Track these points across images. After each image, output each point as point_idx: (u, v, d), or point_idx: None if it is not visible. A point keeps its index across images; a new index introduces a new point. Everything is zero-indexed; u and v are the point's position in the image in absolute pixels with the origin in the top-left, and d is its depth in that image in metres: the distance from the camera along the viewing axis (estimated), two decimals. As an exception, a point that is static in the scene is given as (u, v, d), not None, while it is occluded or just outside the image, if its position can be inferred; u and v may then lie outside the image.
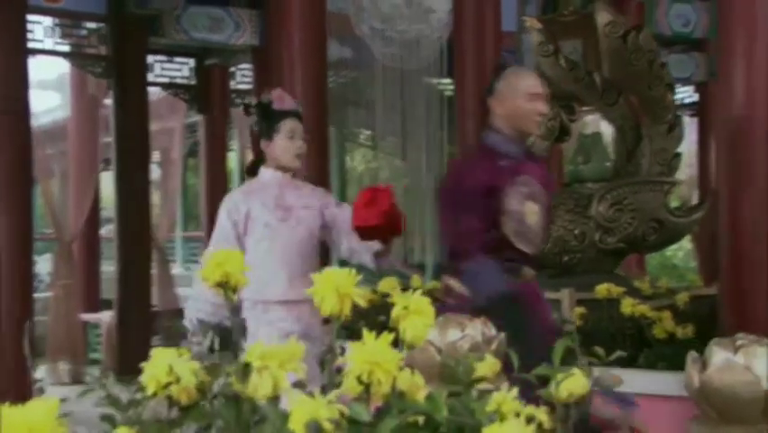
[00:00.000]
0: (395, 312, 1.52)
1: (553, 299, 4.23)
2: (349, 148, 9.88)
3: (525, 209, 2.75)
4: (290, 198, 3.23)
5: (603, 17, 4.50)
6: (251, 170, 3.34)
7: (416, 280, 5.34)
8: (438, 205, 3.12)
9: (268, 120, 3.22)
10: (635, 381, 3.61)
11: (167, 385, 1.39)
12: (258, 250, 3.13)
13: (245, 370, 1.22)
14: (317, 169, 5.46)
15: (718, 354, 1.48)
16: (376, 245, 3.09)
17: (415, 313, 1.51)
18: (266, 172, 3.25)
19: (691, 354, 1.56)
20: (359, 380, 1.41)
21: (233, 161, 12.40)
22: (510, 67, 3.14)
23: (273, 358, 1.41)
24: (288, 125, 3.21)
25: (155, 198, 9.08)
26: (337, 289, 1.51)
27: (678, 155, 4.67)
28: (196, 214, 12.78)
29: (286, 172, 3.24)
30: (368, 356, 1.42)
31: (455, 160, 3.37)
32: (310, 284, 3.32)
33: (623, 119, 4.75)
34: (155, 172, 9.30)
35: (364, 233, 2.98)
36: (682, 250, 11.41)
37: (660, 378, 3.58)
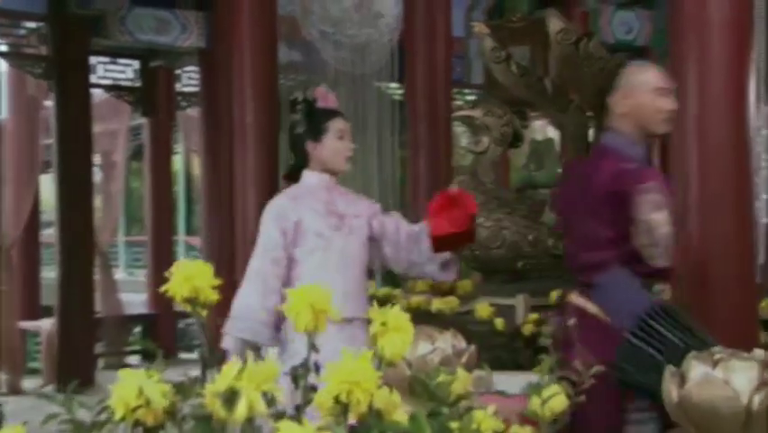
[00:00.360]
0: (372, 329, 1.48)
1: (507, 304, 4.25)
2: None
3: (654, 219, 2.51)
4: (340, 204, 2.99)
5: (555, 24, 4.50)
6: (292, 176, 3.06)
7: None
8: (557, 212, 2.90)
9: (314, 119, 2.97)
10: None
11: (136, 409, 1.33)
12: (310, 262, 2.89)
13: (232, 395, 1.16)
14: (268, 173, 5.40)
15: (697, 369, 1.47)
16: (445, 255, 2.87)
17: (393, 330, 1.48)
18: (311, 176, 2.99)
19: (669, 369, 1.55)
20: (336, 399, 1.37)
21: (177, 164, 12.23)
22: (633, 63, 2.93)
23: (249, 379, 1.36)
24: (337, 125, 2.97)
25: (97, 201, 8.88)
26: (312, 305, 1.47)
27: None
28: (139, 218, 12.55)
29: (332, 176, 3.00)
30: (346, 375, 1.38)
31: (571, 162, 3.11)
32: (366, 300, 3.16)
33: (574, 126, 4.77)
34: (97, 175, 9.10)
35: (443, 242, 2.78)
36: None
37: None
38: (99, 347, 8.32)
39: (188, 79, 9.29)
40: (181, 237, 13.38)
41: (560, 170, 4.76)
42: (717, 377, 1.42)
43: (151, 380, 1.34)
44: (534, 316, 4.01)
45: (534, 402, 1.43)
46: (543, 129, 4.96)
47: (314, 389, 1.47)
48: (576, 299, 2.57)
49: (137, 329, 9.23)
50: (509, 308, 4.19)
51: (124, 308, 8.98)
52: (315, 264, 2.88)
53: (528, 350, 3.82)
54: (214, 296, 1.53)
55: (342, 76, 7.98)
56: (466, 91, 9.04)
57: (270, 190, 5.55)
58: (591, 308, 2.51)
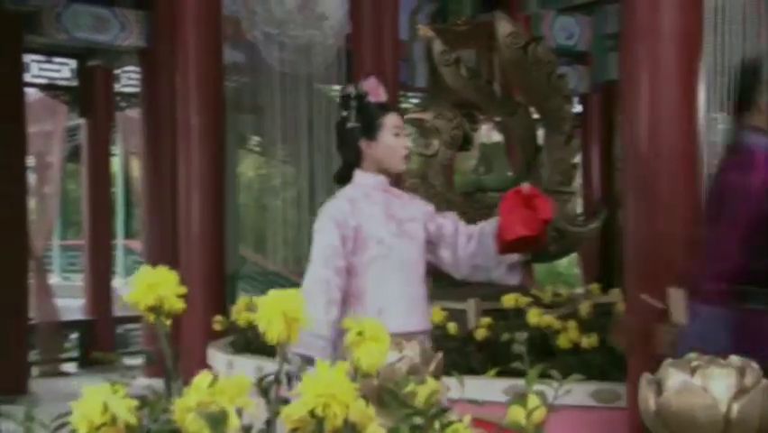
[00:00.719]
0: (348, 339, 1.43)
1: (458, 309, 4.23)
2: (239, 154, 9.70)
3: None
4: (397, 207, 2.72)
5: (504, 27, 4.52)
6: (343, 176, 2.77)
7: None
8: (706, 219, 2.73)
9: (367, 116, 2.68)
10: (545, 392, 3.65)
11: (101, 427, 1.25)
12: (370, 273, 2.62)
13: (219, 417, 1.10)
14: (214, 175, 5.30)
15: (675, 376, 1.44)
16: (513, 257, 2.66)
17: (370, 339, 1.43)
18: (367, 177, 2.70)
19: (645, 376, 1.52)
20: (312, 413, 1.32)
21: (116, 166, 11.96)
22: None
23: (222, 393, 1.30)
24: (392, 120, 2.70)
25: (31, 204, 8.62)
26: (284, 313, 1.40)
27: (575, 165, 4.75)
28: (76, 221, 12.26)
29: (388, 177, 2.73)
30: (323, 388, 1.32)
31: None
32: (428, 311, 2.92)
33: (522, 129, 4.79)
34: (31, 177, 8.84)
35: (512, 245, 2.57)
36: (566, 257, 11.73)
37: (569, 389, 3.60)
38: (33, 355, 8.09)
39: (128, 79, 9.11)
40: (120, 241, 13.11)
41: (509, 174, 4.77)
42: (696, 385, 1.39)
43: (117, 395, 1.26)
44: (486, 320, 3.99)
45: (517, 413, 1.40)
46: (496, 132, 4.95)
47: (286, 402, 1.41)
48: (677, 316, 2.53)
49: (73, 336, 9.00)
50: (461, 313, 4.17)
51: (60, 314, 8.74)
52: (376, 275, 2.62)
53: (480, 354, 3.80)
54: (179, 304, 1.46)
55: (284, 78, 7.90)
56: (410, 94, 9.04)
57: (216, 193, 5.46)
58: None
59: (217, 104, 5.37)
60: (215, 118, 5.29)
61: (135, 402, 1.28)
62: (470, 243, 2.69)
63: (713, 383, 1.47)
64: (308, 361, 2.56)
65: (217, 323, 4.70)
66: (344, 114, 2.72)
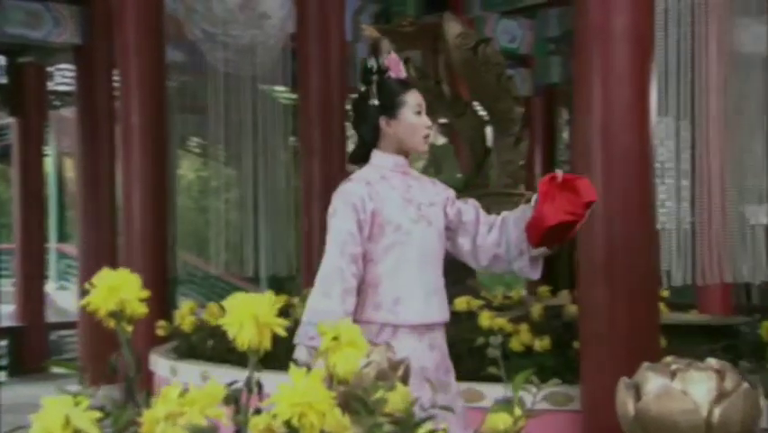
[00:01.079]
0: (323, 345, 1.36)
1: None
2: (178, 155, 9.52)
3: None
4: (416, 191, 2.55)
5: (454, 28, 4.50)
6: (359, 156, 2.61)
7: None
8: None
9: (388, 92, 2.51)
10: (497, 395, 3.61)
11: (62, 440, 1.16)
12: (388, 259, 2.46)
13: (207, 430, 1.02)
14: (156, 176, 5.17)
15: (654, 381, 1.40)
16: (540, 250, 2.48)
17: (346, 345, 1.36)
18: (385, 158, 2.54)
19: (624, 381, 1.48)
20: (288, 424, 1.25)
21: (49, 166, 11.62)
22: None
23: (193, 403, 1.22)
24: (414, 98, 2.52)
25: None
26: (256, 317, 1.33)
27: (524, 167, 4.75)
28: (6, 224, 11.88)
29: (407, 158, 2.57)
30: (299, 396, 1.25)
31: None
32: (446, 302, 2.72)
33: (471, 130, 4.78)
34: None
35: (554, 233, 2.39)
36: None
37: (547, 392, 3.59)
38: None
39: (62, 77, 8.85)
40: (52, 245, 12.75)
41: (458, 175, 4.74)
42: (676, 389, 1.35)
43: (79, 407, 1.17)
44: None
45: (498, 420, 1.34)
46: (446, 134, 4.93)
47: (258, 412, 1.33)
48: None
49: (3, 342, 8.70)
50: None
51: (-10, 320, 8.45)
52: (393, 262, 2.46)
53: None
54: (142, 309, 1.38)
55: (224, 78, 7.76)
56: (353, 95, 8.96)
57: (158, 194, 5.32)
58: None
59: (159, 103, 5.23)
60: (157, 117, 5.15)
61: (98, 414, 1.20)
62: (491, 232, 2.53)
63: (693, 387, 1.44)
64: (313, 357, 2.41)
65: (160, 328, 4.57)
66: (363, 89, 2.55)
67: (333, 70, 5.57)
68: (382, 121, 2.52)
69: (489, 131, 4.78)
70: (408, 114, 2.51)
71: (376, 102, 2.51)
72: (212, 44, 7.61)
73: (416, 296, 2.47)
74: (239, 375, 4.04)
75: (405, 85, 2.56)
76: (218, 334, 4.25)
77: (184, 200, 8.95)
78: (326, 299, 2.39)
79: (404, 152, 2.56)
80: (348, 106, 7.47)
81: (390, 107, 2.51)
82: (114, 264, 5.34)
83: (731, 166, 3.93)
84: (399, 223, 2.47)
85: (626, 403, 1.47)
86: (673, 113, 3.68)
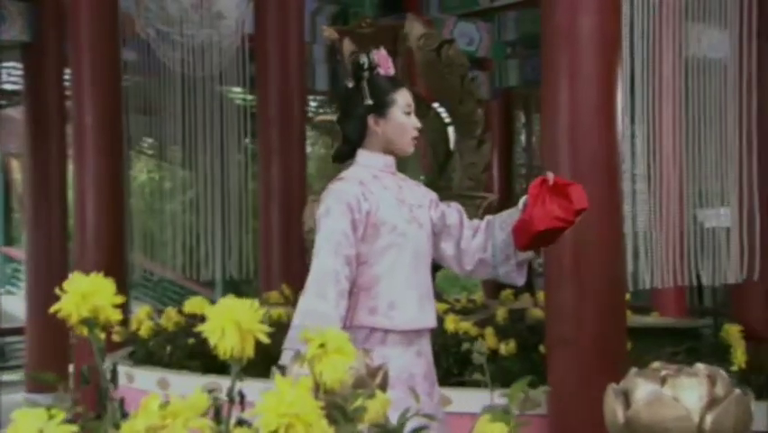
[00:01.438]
0: (309, 352, 1.30)
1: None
2: (130, 156, 9.31)
3: None
4: (405, 192, 2.48)
5: (417, 29, 4.46)
6: (342, 154, 2.54)
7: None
8: None
9: (378, 90, 2.44)
10: (464, 401, 3.58)
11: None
12: (384, 262, 2.38)
13: None
14: (111, 178, 5.04)
15: (644, 387, 1.37)
16: (527, 254, 2.43)
17: (333, 352, 1.30)
18: (375, 157, 2.48)
19: (612, 387, 1.45)
20: (275, 437, 1.19)
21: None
22: None
23: (175, 415, 1.15)
24: (404, 97, 2.46)
25: None
26: (238, 323, 1.26)
27: (486, 170, 4.72)
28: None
29: (394, 158, 2.50)
30: (285, 407, 1.19)
31: None
32: (435, 308, 2.60)
33: (434, 132, 4.74)
34: None
35: (541, 237, 2.35)
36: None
37: (486, 397, 3.55)
38: None
39: (8, 75, 8.61)
40: (-2, 248, 12.46)
41: (421, 177, 4.70)
42: (667, 395, 1.32)
43: (54, 421, 1.10)
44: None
45: (492, 429, 1.30)
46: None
47: (241, 423, 1.27)
48: None
49: (-53, 349, 8.45)
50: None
51: None
52: (388, 265, 2.38)
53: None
54: (116, 316, 1.30)
55: (182, 78, 7.63)
56: (310, 97, 8.90)
57: (113, 195, 5.19)
58: None
59: (114, 102, 5.11)
60: (112, 117, 5.03)
61: (74, 428, 1.12)
62: (476, 235, 2.47)
63: (684, 394, 1.41)
64: None
65: (116, 333, 4.45)
66: (351, 86, 2.48)
67: (293, 71, 5.51)
68: (371, 119, 2.46)
69: (451, 133, 4.75)
70: (398, 113, 2.45)
71: (369, 101, 2.44)
72: (165, 44, 7.48)
73: (410, 300, 2.41)
74: (198, 382, 3.97)
75: (395, 83, 2.49)
76: (177, 339, 4.15)
77: (136, 202, 8.76)
78: (322, 302, 2.29)
79: (390, 152, 2.50)
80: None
81: (380, 106, 2.45)
82: (64, 268, 5.24)
83: (687, 170, 3.95)
84: (395, 224, 2.40)
85: (615, 411, 1.44)
86: (628, 117, 3.68)
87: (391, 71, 2.50)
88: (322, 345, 1.29)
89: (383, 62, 2.47)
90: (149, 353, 4.24)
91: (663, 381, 1.40)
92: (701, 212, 4.03)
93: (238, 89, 8.01)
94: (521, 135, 8.93)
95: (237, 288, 8.17)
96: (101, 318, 1.29)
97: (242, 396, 1.30)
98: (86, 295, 1.26)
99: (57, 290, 1.29)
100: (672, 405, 1.37)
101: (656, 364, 1.47)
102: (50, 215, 6.71)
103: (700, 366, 1.45)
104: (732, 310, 4.05)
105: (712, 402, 1.39)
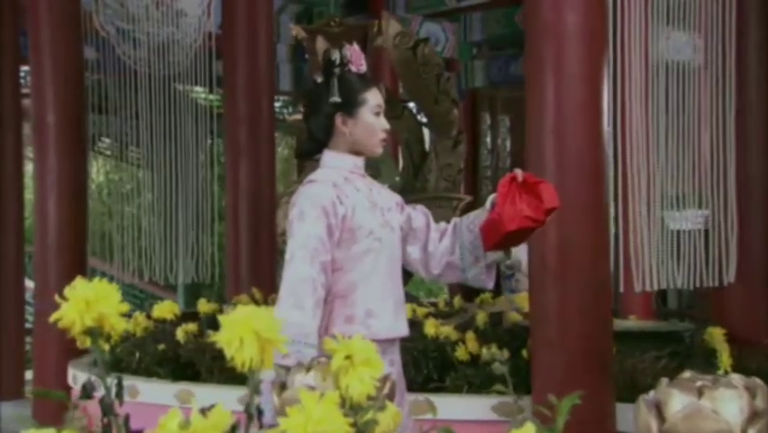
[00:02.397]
0: (334, 364, 1.20)
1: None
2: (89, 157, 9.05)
3: None
4: (376, 195, 2.40)
5: (393, 27, 4.38)
6: (307, 152, 2.49)
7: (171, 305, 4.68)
8: None
9: (347, 88, 2.35)
10: (446, 406, 3.49)
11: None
12: (360, 268, 2.28)
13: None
14: (74, 179, 4.87)
15: (679, 399, 1.29)
16: (496, 255, 2.35)
17: (360, 364, 1.20)
18: (343, 158, 2.38)
19: (643, 399, 1.37)
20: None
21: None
22: None
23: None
24: (375, 97, 2.38)
25: None
26: (258, 333, 1.16)
27: (461, 171, 4.66)
28: None
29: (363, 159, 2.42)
30: (314, 424, 1.09)
31: None
32: (406, 315, 2.51)
33: (409, 132, 4.66)
34: None
35: (511, 238, 2.26)
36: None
37: (470, 403, 3.48)
38: None
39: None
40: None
41: (397, 178, 4.62)
42: (707, 407, 1.24)
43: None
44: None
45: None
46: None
47: (262, 441, 1.17)
48: None
49: None
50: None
51: None
52: (365, 271, 2.29)
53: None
54: (122, 325, 1.20)
55: (143, 77, 7.44)
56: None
57: (76, 197, 5.02)
58: None
59: (76, 100, 4.94)
60: (75, 115, 4.85)
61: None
62: (443, 238, 2.39)
63: (724, 406, 1.33)
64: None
65: (80, 339, 4.26)
66: (320, 81, 2.38)
67: (262, 70, 5.38)
68: (338, 118, 2.37)
69: (426, 133, 4.68)
70: (367, 114, 2.37)
71: (336, 98, 2.34)
72: (126, 41, 7.30)
73: (387, 308, 2.33)
74: (169, 390, 3.78)
75: (366, 82, 2.40)
76: (146, 345, 4.00)
77: (94, 204, 8.51)
78: (298, 312, 2.20)
79: (357, 152, 2.41)
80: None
81: (348, 105, 2.36)
82: (19, 273, 5.03)
83: (654, 173, 3.90)
84: (371, 228, 2.32)
85: (648, 424, 1.35)
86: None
87: (363, 68, 2.43)
88: (348, 357, 1.19)
89: (356, 58, 2.39)
90: (116, 360, 4.08)
91: (700, 392, 1.32)
92: (676, 214, 4.00)
93: (200, 89, 7.84)
94: (486, 137, 8.89)
95: (198, 291, 7.99)
96: (106, 328, 1.18)
97: (259, 411, 1.20)
98: (91, 302, 1.15)
99: (57, 298, 1.18)
100: (713, 418, 1.30)
101: (688, 375, 1.39)
102: (5, 218, 6.48)
103: (736, 377, 1.39)
104: (711, 313, 4.02)
105: (754, 415, 1.32)
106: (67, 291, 1.15)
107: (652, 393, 1.40)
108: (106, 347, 1.17)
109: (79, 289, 1.15)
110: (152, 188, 7.92)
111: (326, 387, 1.48)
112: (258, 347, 1.14)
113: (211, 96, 7.52)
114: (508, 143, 9.17)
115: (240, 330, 1.14)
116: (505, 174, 2.39)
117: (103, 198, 9.12)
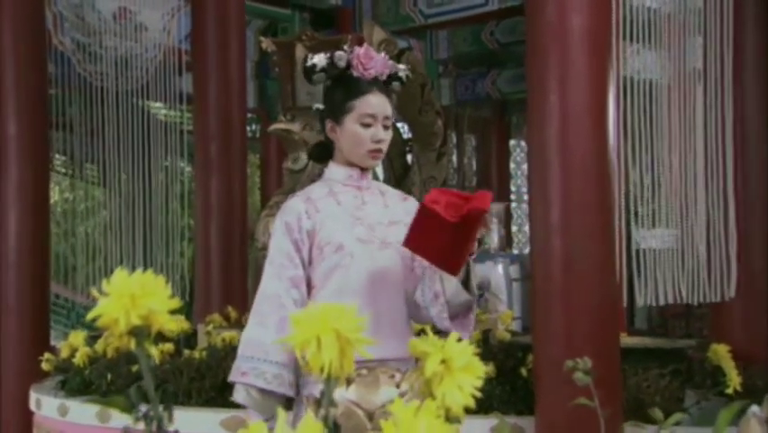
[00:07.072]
0: (428, 369, 1.01)
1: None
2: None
3: None
4: (372, 208, 2.26)
5: (378, 34, 4.22)
6: (314, 154, 2.41)
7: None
8: None
9: (339, 91, 2.26)
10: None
11: None
12: (329, 286, 2.17)
13: None
14: (36, 195, 4.62)
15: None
16: (455, 293, 2.17)
17: (459, 371, 1.02)
18: (338, 170, 2.30)
19: (752, 412, 1.21)
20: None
21: None
22: None
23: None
24: (363, 106, 2.23)
25: None
26: (338, 332, 0.98)
27: (445, 183, 4.51)
28: None
29: (364, 171, 2.30)
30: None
31: None
32: (405, 337, 2.29)
33: (392, 144, 4.48)
34: None
35: (453, 243, 2.04)
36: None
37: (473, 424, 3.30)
38: None
39: None
40: None
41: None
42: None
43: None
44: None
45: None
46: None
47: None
48: None
49: None
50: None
51: None
52: (334, 290, 2.17)
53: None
54: (172, 324, 1.00)
55: (101, 91, 7.19)
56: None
57: (39, 213, 4.76)
58: None
59: (40, 112, 4.69)
60: (39, 129, 4.60)
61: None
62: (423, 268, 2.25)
63: None
64: (276, 398, 2.08)
65: (46, 361, 4.02)
66: (328, 83, 2.29)
67: (234, 86, 5.21)
68: (327, 125, 2.28)
69: (409, 145, 4.52)
70: (351, 122, 2.24)
71: (319, 104, 2.30)
72: (83, 55, 7.06)
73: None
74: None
75: (361, 87, 2.25)
76: (118, 367, 3.75)
77: (53, 225, 8.20)
78: (260, 329, 2.13)
79: (351, 163, 2.30)
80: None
81: (333, 112, 2.26)
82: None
83: (622, 191, 3.80)
84: (341, 243, 2.20)
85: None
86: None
87: (371, 72, 2.29)
88: (443, 362, 1.01)
89: (362, 59, 2.26)
90: (84, 382, 3.82)
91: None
92: (639, 232, 3.91)
93: (160, 104, 7.60)
94: (452, 155, 8.78)
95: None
96: (153, 327, 0.98)
97: (336, 427, 1.01)
98: (137, 297, 0.95)
99: (94, 292, 0.98)
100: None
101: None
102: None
103: None
104: (711, 330, 3.91)
105: None
106: (105, 285, 0.95)
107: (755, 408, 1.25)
108: (153, 351, 0.97)
109: (121, 281, 0.95)
110: (110, 206, 7.65)
111: (411, 397, 1.29)
112: (338, 349, 0.96)
113: (172, 113, 7.30)
114: (474, 162, 9.08)
115: (317, 329, 0.95)
116: (471, 192, 2.26)
117: (56, 217, 8.80)
